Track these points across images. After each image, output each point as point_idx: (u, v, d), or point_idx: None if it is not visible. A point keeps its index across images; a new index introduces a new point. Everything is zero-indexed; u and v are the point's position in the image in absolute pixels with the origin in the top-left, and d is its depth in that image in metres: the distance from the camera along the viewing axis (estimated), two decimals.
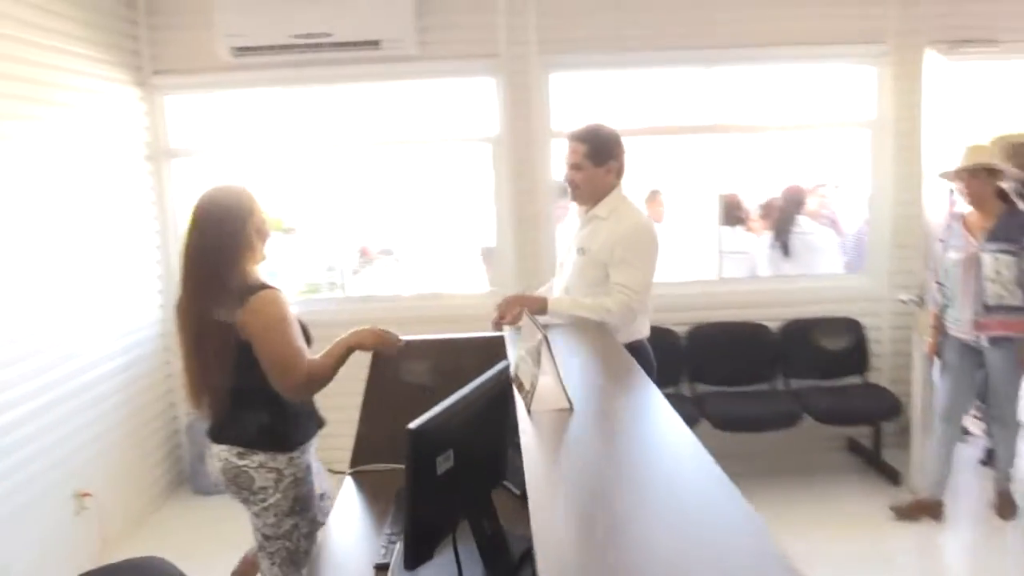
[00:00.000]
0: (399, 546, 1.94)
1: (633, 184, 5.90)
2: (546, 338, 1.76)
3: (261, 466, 2.38)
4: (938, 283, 3.88)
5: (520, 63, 4.58)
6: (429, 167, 6.13)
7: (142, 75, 4.51)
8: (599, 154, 2.98)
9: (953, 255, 3.77)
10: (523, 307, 2.63)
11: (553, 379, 1.78)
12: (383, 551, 2.01)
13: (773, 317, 4.71)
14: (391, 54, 4.45)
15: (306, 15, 4.32)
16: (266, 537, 2.46)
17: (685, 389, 4.64)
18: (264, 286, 2.34)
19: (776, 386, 4.64)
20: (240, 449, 2.39)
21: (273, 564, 2.47)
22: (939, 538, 3.79)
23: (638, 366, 2.15)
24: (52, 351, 3.56)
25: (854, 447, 4.73)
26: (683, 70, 4.81)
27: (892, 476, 4.31)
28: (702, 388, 4.63)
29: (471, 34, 4.55)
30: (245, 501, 2.44)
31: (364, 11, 4.34)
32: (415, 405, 1.71)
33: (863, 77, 4.71)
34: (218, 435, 2.43)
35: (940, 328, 3.88)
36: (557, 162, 4.71)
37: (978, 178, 3.66)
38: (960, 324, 3.76)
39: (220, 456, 2.41)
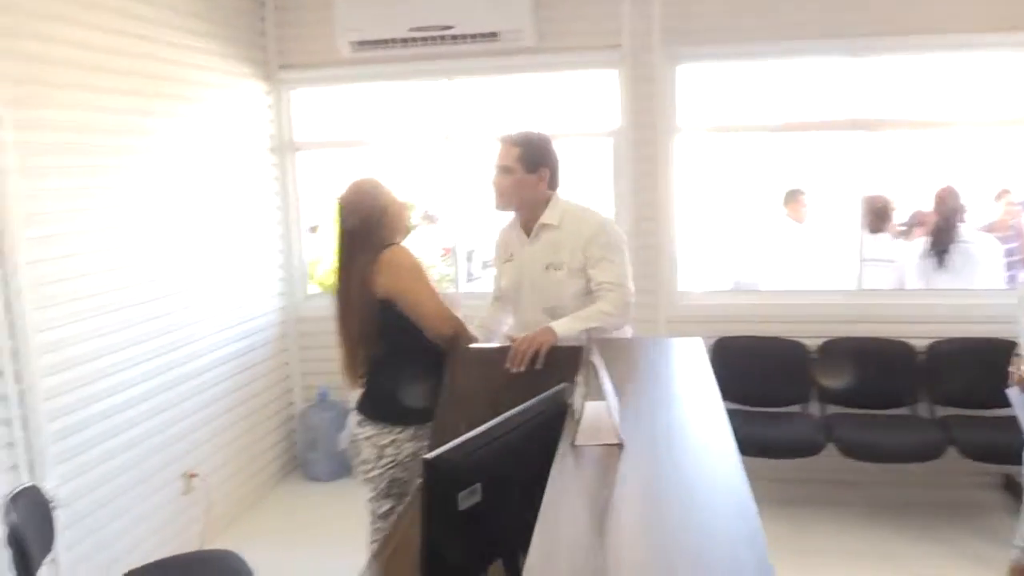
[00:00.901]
0: None
1: (771, 182, 5.56)
2: (594, 364, 1.58)
3: (368, 439, 2.55)
4: None
5: (644, 54, 4.32)
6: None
7: (268, 69, 4.62)
8: (532, 160, 2.74)
9: None
10: (538, 347, 2.41)
11: (603, 410, 1.59)
12: None
13: (920, 335, 4.21)
14: (510, 46, 4.33)
15: (424, 8, 4.27)
16: (371, 513, 2.61)
17: (813, 409, 4.25)
18: (390, 244, 2.53)
19: (918, 412, 4.16)
20: (360, 418, 2.58)
21: (375, 542, 2.55)
22: None
23: (715, 388, 1.92)
24: (172, 334, 3.71)
25: (1011, 486, 4.17)
26: (827, 60, 4.40)
27: None
28: (832, 409, 4.21)
29: (592, 25, 4.34)
30: (360, 471, 2.63)
31: (482, 3, 4.25)
32: (494, 413, 1.59)
33: None
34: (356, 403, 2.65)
35: None
36: (682, 158, 4.44)
37: None
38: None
39: (351, 422, 2.64)
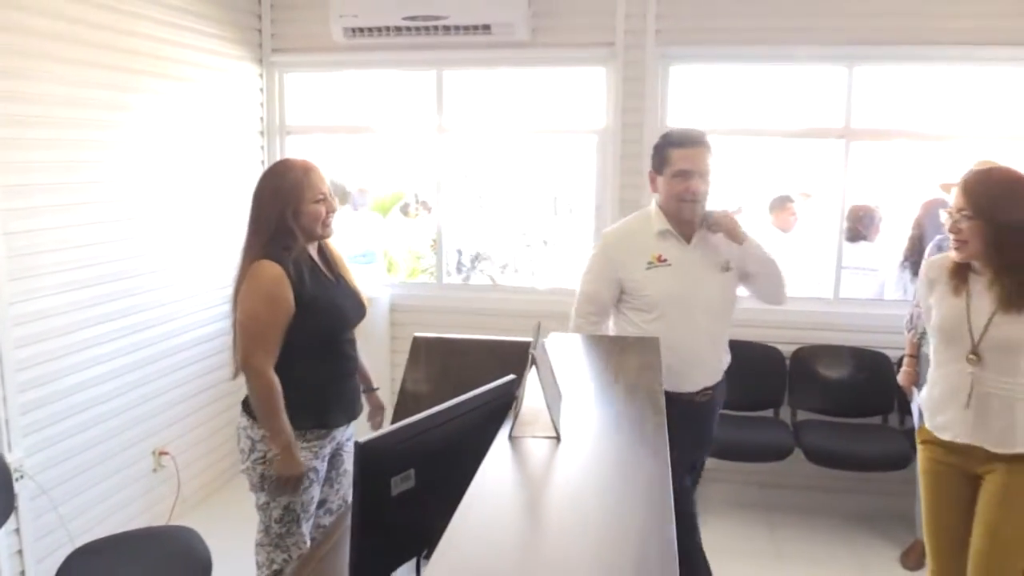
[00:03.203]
0: None
1: (761, 189, 5.57)
2: (534, 356, 1.59)
3: (242, 428, 2.45)
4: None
5: (636, 53, 4.32)
6: (541, 154, 6.02)
7: (261, 52, 4.62)
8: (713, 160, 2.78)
9: None
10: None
11: (542, 402, 1.61)
12: None
13: (896, 345, 4.22)
14: (502, 39, 4.33)
15: None
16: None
17: (785, 414, 4.27)
18: (264, 257, 2.32)
19: (890, 423, 4.17)
20: (241, 407, 2.47)
21: (258, 532, 2.53)
22: None
23: (661, 388, 1.94)
24: (149, 312, 3.73)
25: None
26: (820, 68, 4.41)
27: None
28: (803, 415, 4.24)
29: (586, 20, 4.34)
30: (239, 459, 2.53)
31: None
32: None
33: None
34: None
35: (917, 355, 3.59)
36: None
37: None
38: None
39: None
